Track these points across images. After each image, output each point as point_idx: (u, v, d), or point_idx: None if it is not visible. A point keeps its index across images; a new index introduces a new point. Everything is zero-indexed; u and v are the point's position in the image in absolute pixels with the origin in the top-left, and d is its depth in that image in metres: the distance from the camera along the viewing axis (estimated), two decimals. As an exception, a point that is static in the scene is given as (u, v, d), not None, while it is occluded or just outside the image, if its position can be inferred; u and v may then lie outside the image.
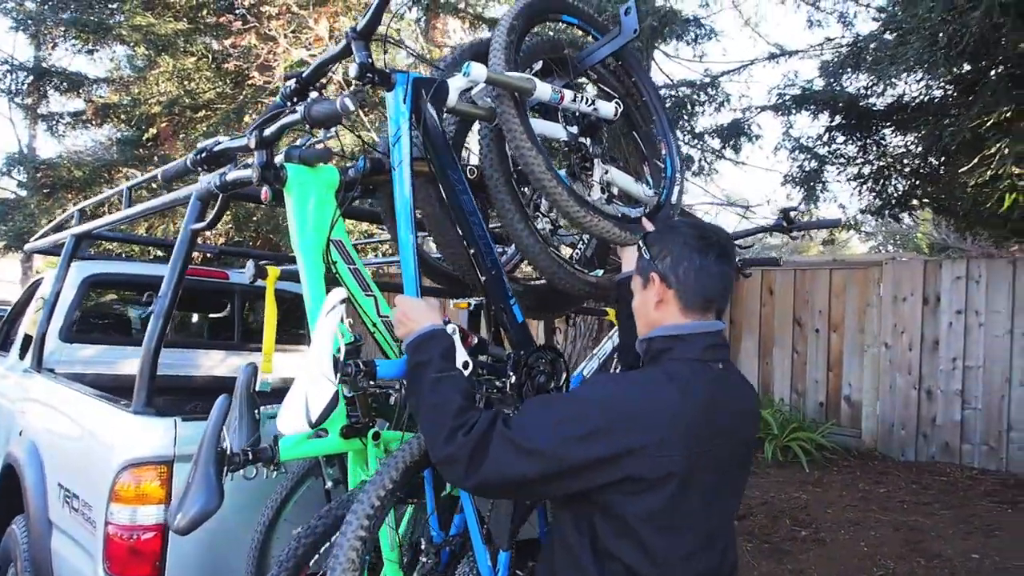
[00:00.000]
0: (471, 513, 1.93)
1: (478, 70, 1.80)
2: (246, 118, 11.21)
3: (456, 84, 1.88)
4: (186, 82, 11.18)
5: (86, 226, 3.71)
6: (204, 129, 11.37)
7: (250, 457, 1.68)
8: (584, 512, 1.51)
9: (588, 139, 2.27)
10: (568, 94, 2.08)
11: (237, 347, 4.77)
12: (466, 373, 1.69)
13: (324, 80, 1.88)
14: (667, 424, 1.46)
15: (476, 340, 1.86)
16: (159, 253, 10.51)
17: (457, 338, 1.71)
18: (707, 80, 7.69)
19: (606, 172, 2.28)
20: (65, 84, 11.84)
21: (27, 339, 3.90)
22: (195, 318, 5.36)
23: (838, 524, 4.87)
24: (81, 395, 2.77)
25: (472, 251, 2.02)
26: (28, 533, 2.74)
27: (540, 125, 2.13)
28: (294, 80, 1.86)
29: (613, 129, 2.44)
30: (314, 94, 1.71)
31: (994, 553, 4.27)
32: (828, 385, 7.10)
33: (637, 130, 2.58)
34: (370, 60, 1.75)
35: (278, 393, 2.36)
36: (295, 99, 1.85)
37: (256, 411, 1.78)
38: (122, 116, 12.28)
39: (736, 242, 2.72)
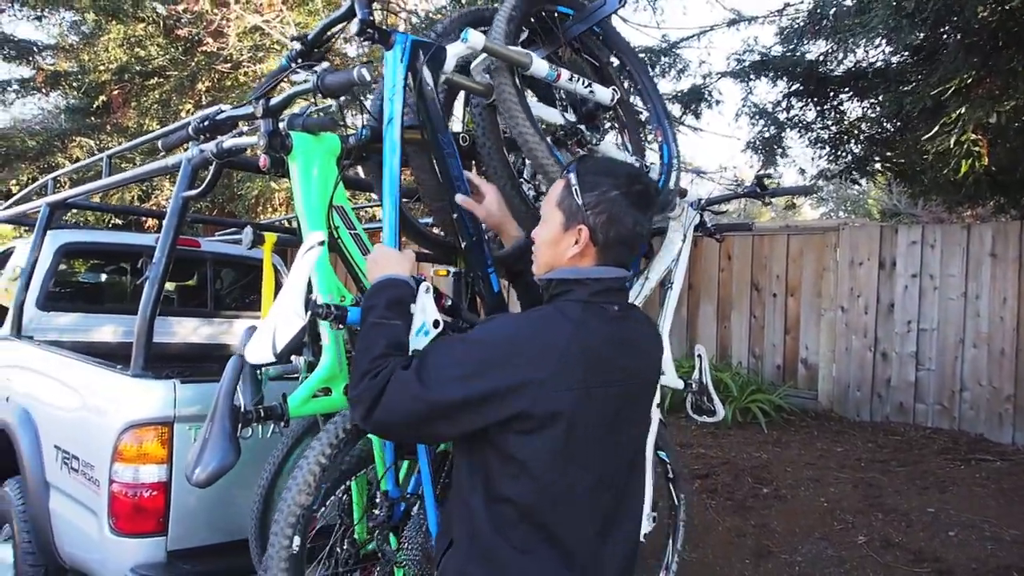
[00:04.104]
0: (426, 471, 1.96)
1: (476, 37, 1.84)
2: (199, 85, 11.01)
3: (454, 50, 1.93)
4: (136, 48, 10.93)
5: (61, 195, 3.70)
6: (157, 96, 11.14)
7: (262, 414, 1.76)
8: (479, 456, 1.52)
9: (585, 126, 2.29)
10: (565, 73, 2.11)
11: (210, 315, 4.79)
12: (436, 332, 1.69)
13: (329, 43, 1.91)
14: (556, 360, 1.45)
15: (449, 302, 1.90)
16: (118, 221, 10.34)
17: (431, 297, 1.72)
18: (665, 46, 7.77)
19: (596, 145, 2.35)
20: (13, 51, 11.50)
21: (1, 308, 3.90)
22: (168, 286, 5.35)
23: (798, 481, 5.03)
24: (76, 361, 2.81)
25: (456, 216, 2.06)
26: (24, 495, 2.80)
27: (538, 108, 2.16)
28: (299, 42, 1.89)
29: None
30: (324, 64, 1.74)
31: (948, 507, 4.46)
32: (786, 348, 7.30)
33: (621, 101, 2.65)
34: (371, 17, 1.78)
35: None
36: (299, 60, 1.88)
37: (258, 371, 1.85)
38: (73, 83, 11.98)
39: (711, 207, 2.84)
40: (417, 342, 1.65)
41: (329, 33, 1.93)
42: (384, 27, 1.84)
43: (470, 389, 1.44)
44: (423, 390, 1.44)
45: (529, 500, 1.47)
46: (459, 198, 2.04)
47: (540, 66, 2.02)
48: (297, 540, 1.72)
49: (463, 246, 2.08)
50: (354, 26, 1.77)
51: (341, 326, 1.80)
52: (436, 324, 1.70)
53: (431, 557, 1.90)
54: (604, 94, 2.27)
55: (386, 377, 1.47)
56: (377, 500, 2.00)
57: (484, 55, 1.97)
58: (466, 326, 1.91)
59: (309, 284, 1.72)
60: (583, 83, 2.19)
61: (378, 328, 1.58)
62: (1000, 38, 4.64)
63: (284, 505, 1.72)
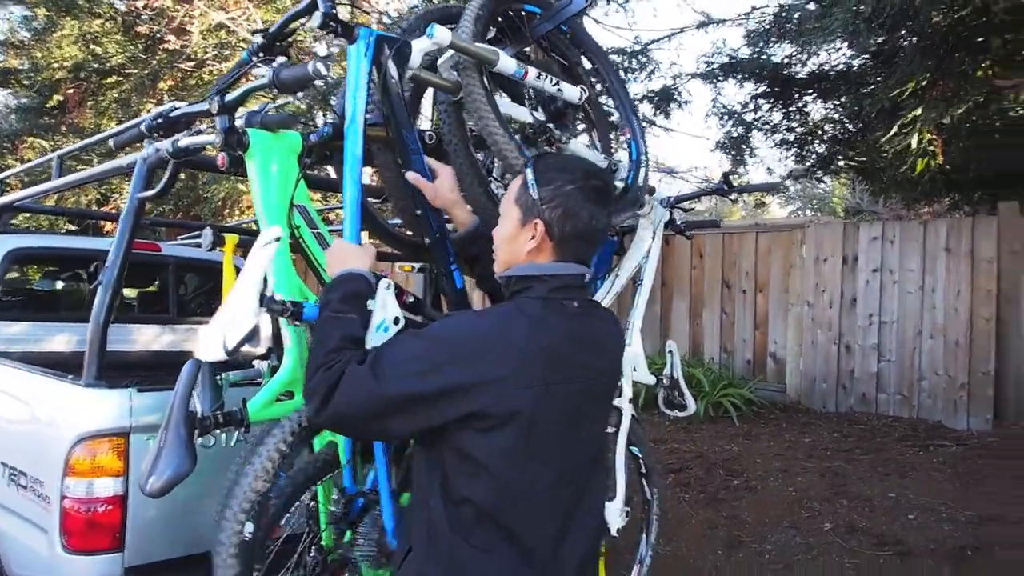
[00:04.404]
0: (382, 466, 1.91)
1: (442, 33, 1.80)
2: (161, 84, 10.79)
3: (419, 46, 1.88)
4: (93, 45, 10.66)
5: (7, 197, 3.57)
6: (116, 96, 10.89)
7: (220, 420, 1.69)
8: (436, 454, 1.49)
9: (555, 125, 2.26)
10: (532, 71, 2.08)
11: (173, 321, 4.65)
12: (396, 328, 1.65)
13: (291, 37, 1.85)
14: (515, 358, 1.43)
15: (411, 298, 1.86)
16: (71, 227, 10.08)
17: (391, 294, 1.68)
18: (637, 48, 7.81)
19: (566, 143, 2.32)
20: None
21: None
22: (127, 292, 5.19)
23: (768, 473, 5.10)
24: (22, 371, 2.67)
25: (419, 212, 2.03)
26: (-34, 515, 2.65)
27: (507, 107, 2.14)
28: (260, 35, 1.83)
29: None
30: (282, 58, 1.68)
31: (908, 492, 4.59)
32: (755, 343, 7.36)
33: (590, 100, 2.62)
34: (334, 11, 1.73)
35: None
36: (260, 54, 1.82)
37: (218, 376, 1.78)
38: (24, 82, 11.66)
39: (680, 204, 2.83)
40: (377, 339, 1.61)
41: (291, 27, 1.87)
42: (349, 22, 1.79)
43: (426, 384, 1.41)
44: (377, 385, 1.41)
45: (488, 499, 1.45)
46: (409, 175, 2.01)
47: (507, 63, 1.99)
48: (249, 527, 1.67)
49: (427, 243, 2.04)
50: (316, 19, 1.72)
51: (298, 322, 1.74)
52: (396, 321, 1.67)
53: (387, 553, 1.87)
54: (572, 92, 2.24)
55: (340, 370, 1.45)
56: (335, 496, 1.95)
57: (451, 52, 1.93)
58: (428, 321, 1.88)
59: (265, 281, 1.66)
60: (551, 81, 2.16)
61: (333, 321, 1.56)
62: (952, 42, 4.73)
63: (239, 490, 1.66)
